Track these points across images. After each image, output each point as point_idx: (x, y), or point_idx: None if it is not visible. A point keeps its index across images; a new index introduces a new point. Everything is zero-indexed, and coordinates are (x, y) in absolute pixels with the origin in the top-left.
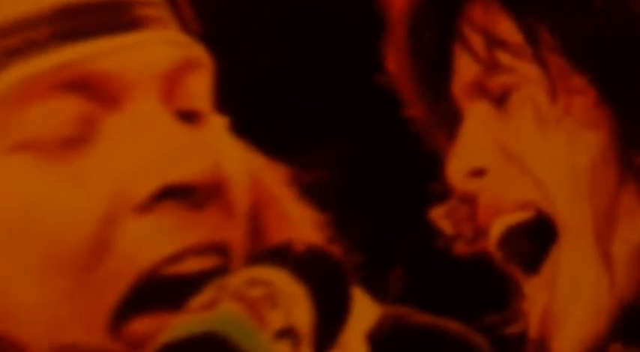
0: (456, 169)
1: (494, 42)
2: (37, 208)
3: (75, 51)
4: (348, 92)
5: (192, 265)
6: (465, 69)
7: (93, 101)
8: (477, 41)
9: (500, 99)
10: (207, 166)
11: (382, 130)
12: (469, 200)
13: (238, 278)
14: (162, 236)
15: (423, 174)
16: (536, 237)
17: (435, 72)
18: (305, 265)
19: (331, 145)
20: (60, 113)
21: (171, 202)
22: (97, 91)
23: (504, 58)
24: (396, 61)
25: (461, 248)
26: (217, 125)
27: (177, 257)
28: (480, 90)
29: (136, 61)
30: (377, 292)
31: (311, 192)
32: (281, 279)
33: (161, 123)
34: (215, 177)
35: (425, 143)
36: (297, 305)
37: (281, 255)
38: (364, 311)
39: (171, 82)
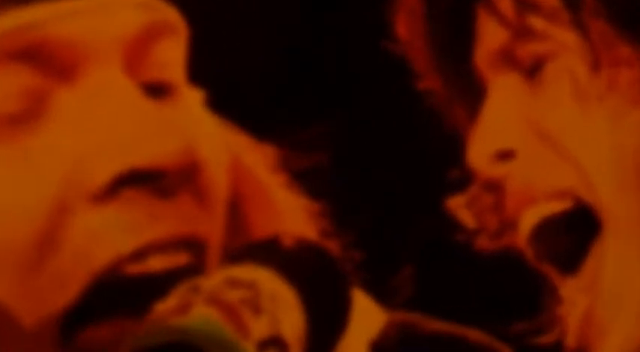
0: (479, 151)
1: (525, 4)
2: None
3: (23, 15)
4: (349, 60)
5: (158, 263)
6: (490, 35)
7: (44, 72)
8: (504, 2)
9: (531, 71)
10: (178, 147)
11: (390, 106)
12: (494, 187)
13: (214, 279)
14: (123, 229)
15: (439, 156)
16: (575, 231)
17: (455, 38)
18: (295, 263)
19: (328, 122)
20: (4, 86)
21: (134, 190)
22: (49, 61)
23: (537, 22)
24: (408, 26)
25: (484, 243)
26: (191, 100)
27: (140, 253)
28: (507, 59)
29: (96, 25)
30: (382, 295)
31: (303, 178)
32: (266, 280)
33: (124, 96)
34: (187, 159)
35: (441, 121)
36: (284, 311)
37: (266, 251)
38: (367, 318)
39: (138, 49)
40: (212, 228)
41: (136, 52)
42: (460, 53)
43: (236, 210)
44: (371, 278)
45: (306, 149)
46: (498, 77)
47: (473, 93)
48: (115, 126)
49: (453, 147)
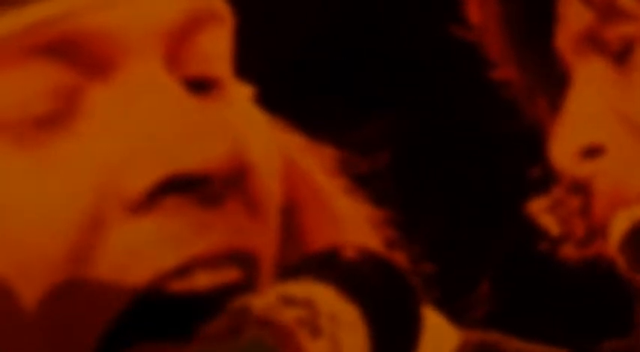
0: (563, 148)
1: None
2: (2, 204)
3: (53, 6)
4: (412, 49)
5: (204, 280)
6: (574, 16)
7: (74, 68)
8: None
9: (620, 56)
10: (225, 149)
11: (460, 99)
12: (581, 188)
13: (267, 297)
14: (165, 242)
15: (517, 155)
16: None
17: (533, 21)
18: (357, 277)
19: (391, 119)
20: (33, 85)
21: (177, 198)
22: (80, 56)
23: (626, 1)
24: (480, 8)
25: (570, 251)
26: (239, 96)
27: (184, 269)
28: (593, 43)
29: (132, 15)
30: (456, 312)
31: (365, 182)
32: (325, 297)
33: (165, 94)
34: (236, 163)
35: (520, 114)
36: (346, 331)
37: (325, 265)
38: (439, 338)
39: (179, 41)
40: (264, 240)
41: (178, 43)
42: (539, 37)
43: (291, 220)
44: (443, 294)
45: (368, 149)
46: (583, 63)
47: (554, 82)
48: (155, 127)
49: (533, 144)
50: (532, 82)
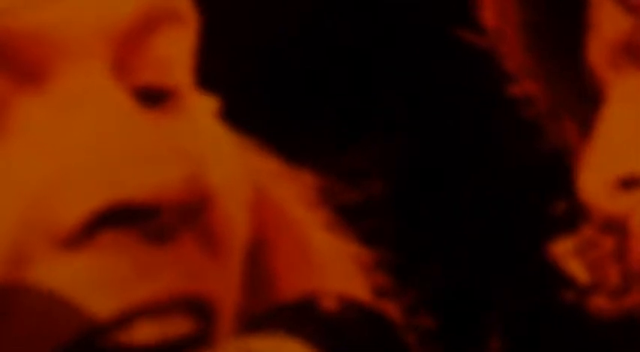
0: (595, 178)
1: None
2: None
3: None
4: (413, 57)
5: (148, 332)
6: (609, 24)
7: (5, 76)
8: None
9: None
10: (180, 174)
11: (471, 117)
12: (615, 227)
13: (228, 349)
14: (101, 285)
15: (538, 185)
16: None
17: (560, 27)
18: (339, 334)
19: (385, 141)
20: None
21: (118, 232)
22: (8, 61)
23: None
24: (497, 10)
25: (602, 302)
26: (201, 111)
27: (123, 319)
28: (632, 56)
29: (73, 14)
30: None
31: (353, 215)
32: None
33: (107, 106)
34: (192, 192)
35: (543, 137)
36: None
37: (299, 317)
38: None
39: (130, 43)
40: (224, 285)
41: (128, 46)
42: (567, 48)
43: (258, 261)
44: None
45: (356, 177)
46: (619, 79)
47: (585, 99)
48: (95, 146)
49: (558, 173)
50: (558, 100)
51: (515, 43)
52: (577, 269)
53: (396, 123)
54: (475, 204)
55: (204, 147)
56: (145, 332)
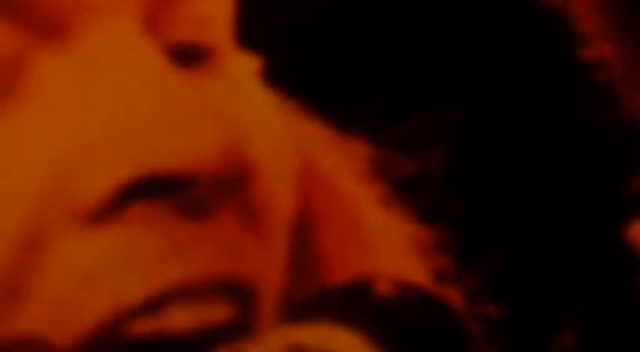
0: None
1: None
2: None
3: None
4: (474, 16)
5: (181, 319)
6: None
7: (19, 30)
8: None
9: None
10: (218, 143)
11: (539, 84)
12: None
13: (269, 344)
14: (129, 266)
15: (612, 160)
16: None
17: None
18: (394, 321)
19: (448, 107)
20: None
21: (148, 206)
22: (28, 14)
23: None
24: None
25: None
26: (242, 72)
27: (154, 304)
28: None
29: None
30: None
31: (411, 190)
32: (349, 347)
33: (138, 65)
34: (231, 162)
35: (617, 106)
36: None
37: (350, 303)
38: None
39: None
40: (267, 266)
41: (160, 4)
42: None
43: (305, 240)
44: (512, 345)
45: (415, 147)
46: None
47: None
48: (124, 110)
49: (633, 145)
50: (632, 65)
51: (588, 4)
52: None
53: (459, 89)
54: (544, 180)
55: (245, 112)
56: (178, 318)
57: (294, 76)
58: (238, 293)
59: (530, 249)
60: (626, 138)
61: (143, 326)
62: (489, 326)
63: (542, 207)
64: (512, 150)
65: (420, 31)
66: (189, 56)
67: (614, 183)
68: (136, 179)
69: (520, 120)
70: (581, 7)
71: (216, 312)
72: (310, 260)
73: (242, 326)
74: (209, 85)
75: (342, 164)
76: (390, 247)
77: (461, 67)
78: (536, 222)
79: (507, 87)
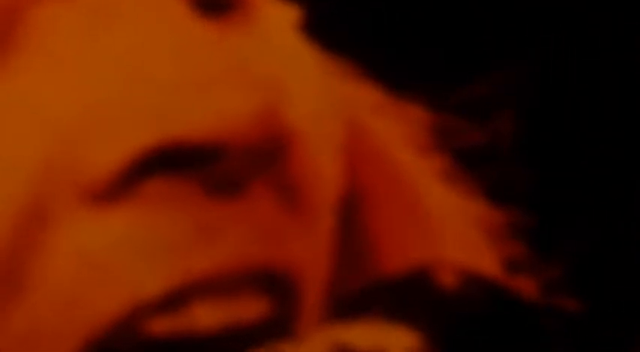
0: None
1: None
2: None
3: None
4: None
5: (209, 316)
6: None
7: None
8: None
9: None
10: (250, 105)
11: (620, 40)
12: None
13: (312, 344)
14: (146, 253)
15: None
16: None
17: None
18: (459, 317)
19: (517, 66)
20: None
21: (168, 182)
22: None
23: None
24: None
25: None
26: (277, 24)
27: (177, 298)
28: None
29: None
30: None
31: (475, 162)
32: (405, 347)
33: (157, 15)
34: (267, 129)
35: None
36: None
37: (407, 296)
38: None
39: None
40: (309, 253)
41: None
42: None
43: (354, 221)
44: (593, 344)
45: (481, 113)
46: None
47: None
48: (139, 67)
49: None
50: None
51: None
52: None
53: (533, 46)
54: (631, 150)
55: (282, 72)
56: (204, 314)
57: (340, 29)
58: (276, 285)
59: (617, 234)
60: None
61: (163, 325)
62: (567, 322)
63: (630, 182)
64: (593, 116)
65: None
66: (216, 5)
67: None
68: (155, 149)
69: (600, 83)
70: None
71: (250, 308)
72: (360, 246)
73: (280, 324)
74: (240, 38)
75: (397, 133)
76: (454, 231)
77: (532, 22)
78: (626, 200)
79: (585, 43)
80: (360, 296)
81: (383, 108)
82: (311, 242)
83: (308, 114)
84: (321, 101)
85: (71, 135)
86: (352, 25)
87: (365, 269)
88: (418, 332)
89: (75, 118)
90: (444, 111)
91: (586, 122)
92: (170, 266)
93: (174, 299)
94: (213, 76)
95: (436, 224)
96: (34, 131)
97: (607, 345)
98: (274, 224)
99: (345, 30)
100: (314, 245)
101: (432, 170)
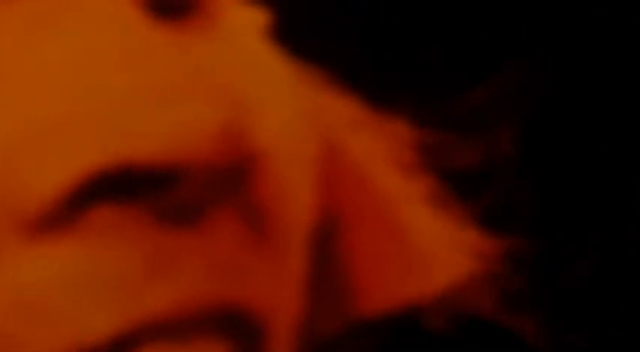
0: None
1: None
2: None
3: None
4: None
5: None
6: None
7: None
8: None
9: None
10: (212, 122)
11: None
12: None
13: None
14: (95, 290)
15: None
16: None
17: None
18: None
19: (515, 75)
20: None
21: (118, 210)
22: None
23: None
24: None
25: None
26: (243, 29)
27: (127, 343)
28: None
29: None
30: None
31: (467, 184)
32: None
33: (106, 20)
34: (230, 148)
35: None
36: None
37: (392, 340)
38: None
39: None
40: (277, 290)
41: None
42: None
43: (330, 253)
44: None
45: (473, 129)
46: None
47: None
48: (86, 77)
49: None
50: None
51: None
52: None
53: (534, 51)
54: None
55: (249, 82)
56: None
57: (313, 34)
58: (239, 327)
59: (625, 261)
60: None
61: None
62: None
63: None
64: (601, 132)
65: None
66: (174, 7)
67: None
68: (102, 172)
69: (608, 92)
70: None
71: None
72: (337, 281)
73: None
74: (201, 44)
75: (378, 150)
76: (444, 263)
77: (534, 26)
78: (634, 225)
79: (590, 44)
80: (340, 340)
81: (363, 123)
82: (280, 277)
83: (277, 130)
84: (293, 115)
85: (5, 157)
86: (327, 29)
87: (343, 307)
88: None
89: (10, 138)
90: (432, 126)
91: (596, 136)
92: (118, 306)
93: (123, 343)
94: (169, 87)
95: (423, 255)
96: None
97: None
98: (238, 257)
99: (319, 35)
100: (283, 280)
101: (418, 193)
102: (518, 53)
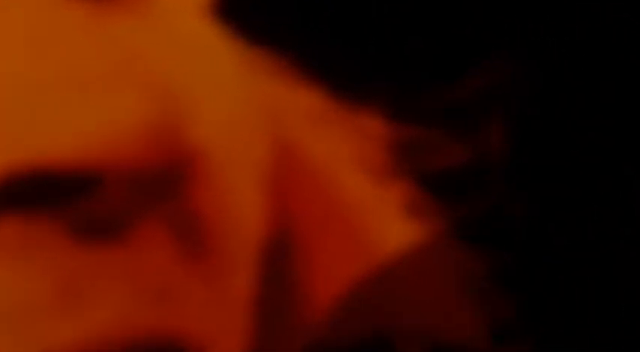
0: None
1: None
2: None
3: None
4: None
5: None
6: None
7: None
8: None
9: None
10: (141, 116)
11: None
12: None
13: None
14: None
15: None
16: None
17: None
18: None
19: (505, 64)
20: None
21: (24, 221)
22: None
23: None
24: None
25: None
26: (179, 6)
27: None
28: None
29: None
30: None
31: (449, 191)
32: None
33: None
34: (162, 148)
35: None
36: None
37: None
38: None
39: None
40: (218, 316)
41: None
42: None
43: (284, 272)
44: None
45: (456, 126)
46: None
47: None
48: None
49: None
50: None
51: None
52: None
53: (525, 37)
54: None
55: (185, 69)
56: None
57: (266, 13)
58: None
59: (632, 286)
60: None
61: None
62: None
63: None
64: (600, 130)
65: None
66: None
67: None
68: (7, 176)
69: (597, 77)
70: None
71: None
72: (292, 306)
73: None
74: (128, 25)
75: (343, 150)
76: (420, 283)
77: (523, 15)
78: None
79: (579, 37)
80: None
81: (325, 118)
82: (222, 302)
83: (219, 126)
84: (238, 109)
85: None
86: (283, 7)
87: (299, 335)
88: None
89: None
90: (408, 121)
91: (593, 135)
92: (23, 338)
93: None
94: (88, 74)
95: (394, 273)
96: None
97: None
98: (169, 278)
99: (273, 14)
100: (226, 305)
101: (390, 201)
102: (504, 43)
